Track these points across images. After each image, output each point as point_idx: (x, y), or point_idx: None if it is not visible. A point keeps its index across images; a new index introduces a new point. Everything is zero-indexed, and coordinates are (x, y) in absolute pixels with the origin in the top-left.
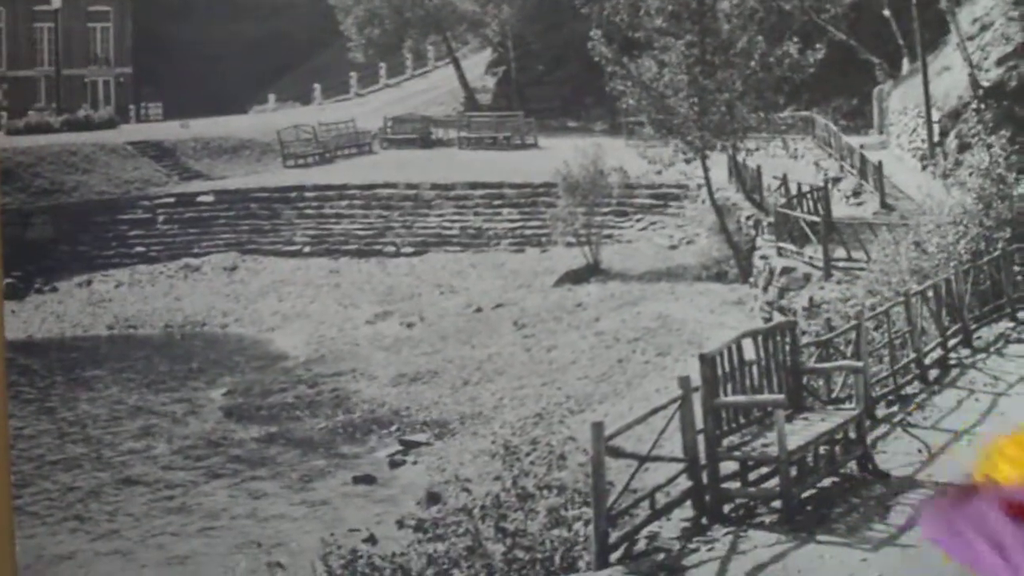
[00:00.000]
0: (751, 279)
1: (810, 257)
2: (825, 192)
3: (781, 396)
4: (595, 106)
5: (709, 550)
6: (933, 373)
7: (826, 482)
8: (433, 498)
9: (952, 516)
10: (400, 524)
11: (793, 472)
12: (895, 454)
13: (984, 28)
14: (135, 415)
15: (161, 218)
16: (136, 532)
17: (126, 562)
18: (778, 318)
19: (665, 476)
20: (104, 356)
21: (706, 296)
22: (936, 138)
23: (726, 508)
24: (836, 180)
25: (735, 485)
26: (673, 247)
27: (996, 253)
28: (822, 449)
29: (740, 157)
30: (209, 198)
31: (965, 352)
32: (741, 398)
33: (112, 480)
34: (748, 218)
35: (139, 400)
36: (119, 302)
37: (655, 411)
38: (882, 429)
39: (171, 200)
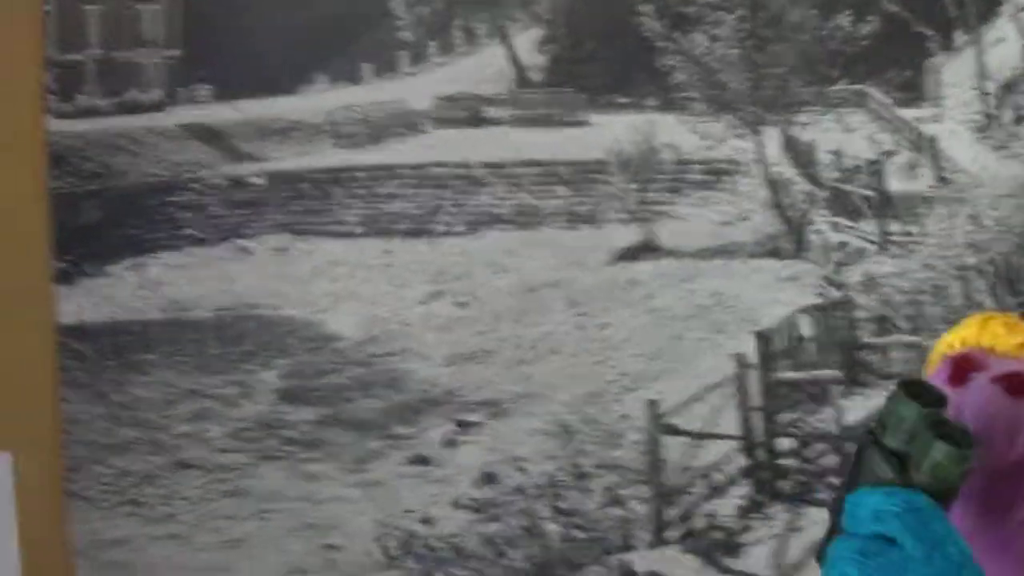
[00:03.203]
0: (806, 254)
1: (865, 231)
2: (879, 165)
3: (838, 372)
4: (646, 82)
5: (767, 528)
6: None
7: None
8: (488, 478)
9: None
10: (456, 504)
11: (851, 448)
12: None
13: None
14: (188, 398)
15: (211, 200)
16: (191, 516)
17: (181, 546)
18: (833, 293)
19: (721, 454)
20: (155, 340)
21: (760, 272)
22: (991, 110)
23: (783, 485)
24: (890, 153)
25: (792, 462)
26: (727, 223)
27: None
28: None
29: (793, 131)
30: (259, 180)
31: None
32: (797, 374)
33: (166, 464)
34: (802, 193)
35: (192, 383)
36: (170, 285)
37: (710, 388)
38: None
39: (221, 182)
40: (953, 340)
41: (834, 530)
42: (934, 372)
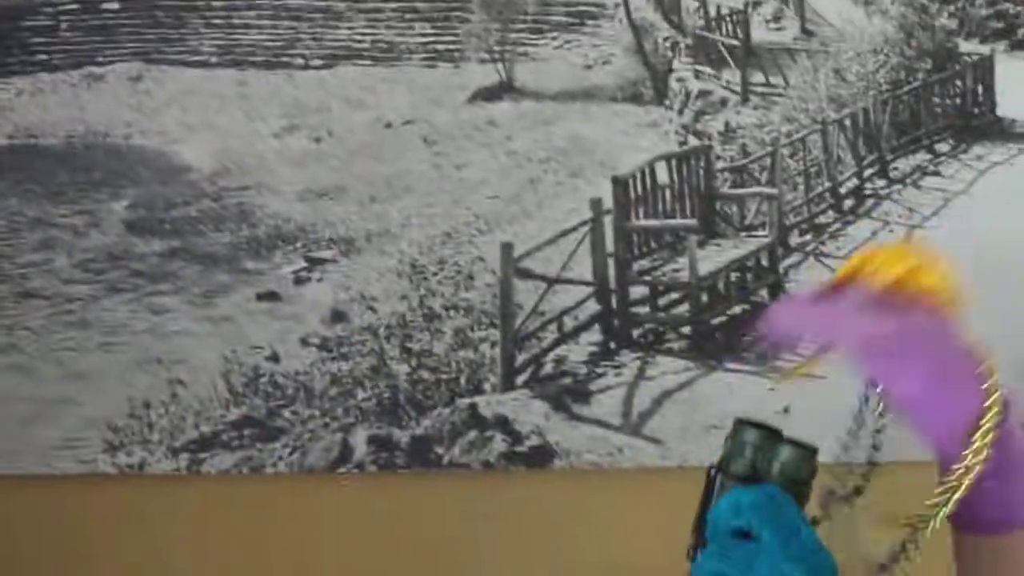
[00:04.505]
0: (667, 101)
1: (727, 81)
2: (745, 15)
3: (694, 221)
4: None
5: (617, 375)
6: (848, 203)
7: (737, 310)
8: (338, 316)
9: (804, 309)
10: (304, 342)
11: (704, 298)
12: (807, 283)
13: None
14: (34, 227)
15: (64, 25)
16: (35, 347)
17: (24, 377)
18: (693, 142)
19: (574, 299)
20: (3, 167)
21: (620, 118)
22: None
23: (635, 333)
24: (756, 4)
25: (645, 310)
26: (588, 67)
27: (916, 84)
28: (733, 276)
29: None
30: (114, 5)
31: (881, 183)
32: (653, 222)
33: (10, 293)
34: (666, 39)
35: (39, 212)
36: (19, 111)
37: (565, 233)
38: (795, 258)
39: (75, 6)
40: (845, 270)
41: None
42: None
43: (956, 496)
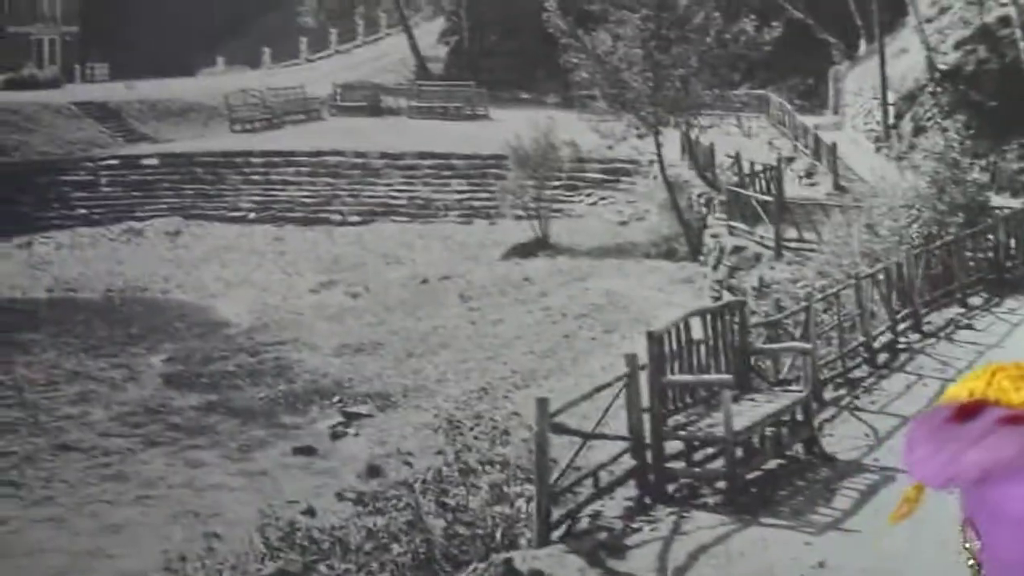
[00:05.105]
0: (701, 257)
1: (761, 237)
2: (778, 171)
3: (728, 376)
4: (548, 78)
5: (652, 530)
6: (882, 357)
7: (772, 464)
8: (374, 471)
9: (942, 431)
10: (340, 496)
11: (739, 453)
12: (842, 437)
13: (943, 11)
14: (72, 380)
15: (104, 180)
16: (71, 499)
17: (60, 529)
18: (727, 297)
19: (609, 454)
20: (42, 319)
21: (655, 273)
22: (891, 120)
23: (670, 488)
24: (789, 160)
25: (680, 465)
26: (623, 223)
27: (948, 238)
28: (768, 431)
29: (693, 134)
30: (154, 161)
31: (915, 337)
32: (688, 377)
33: (48, 446)
34: (700, 196)
35: (77, 365)
36: (59, 265)
37: (601, 388)
38: (829, 412)
39: (115, 162)
40: (960, 392)
41: None
42: (933, 411)
43: None
